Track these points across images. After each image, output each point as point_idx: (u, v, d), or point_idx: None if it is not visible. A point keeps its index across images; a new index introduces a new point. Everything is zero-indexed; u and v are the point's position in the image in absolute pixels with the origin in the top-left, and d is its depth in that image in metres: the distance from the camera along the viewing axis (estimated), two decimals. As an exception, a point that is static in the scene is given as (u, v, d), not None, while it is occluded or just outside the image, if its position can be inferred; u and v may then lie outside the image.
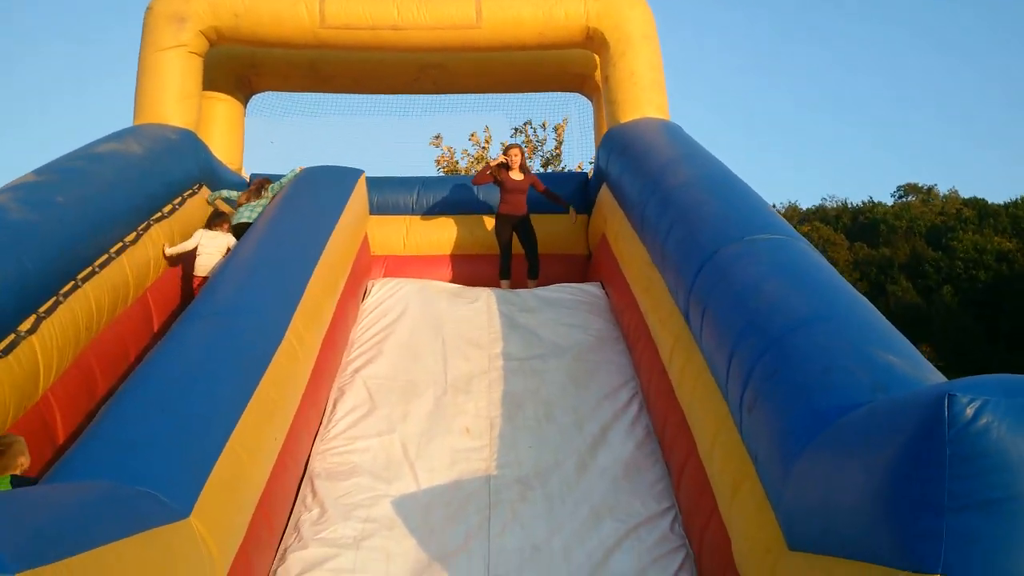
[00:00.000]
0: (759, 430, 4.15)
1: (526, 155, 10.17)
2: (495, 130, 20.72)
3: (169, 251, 8.15)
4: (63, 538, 3.00)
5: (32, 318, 5.67)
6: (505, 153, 9.94)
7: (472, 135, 20.42)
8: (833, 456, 3.34)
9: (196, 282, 8.31)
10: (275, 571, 5.15)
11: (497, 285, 9.62)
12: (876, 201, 51.60)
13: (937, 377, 3.84)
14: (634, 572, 5.08)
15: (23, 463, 4.63)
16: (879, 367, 3.84)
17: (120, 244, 7.14)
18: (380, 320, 8.35)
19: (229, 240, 8.56)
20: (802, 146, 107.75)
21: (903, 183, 55.69)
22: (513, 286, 9.65)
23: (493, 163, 9.97)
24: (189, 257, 8.48)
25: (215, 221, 8.72)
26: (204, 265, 8.33)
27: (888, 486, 2.81)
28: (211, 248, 8.43)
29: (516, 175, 9.79)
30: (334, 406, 6.93)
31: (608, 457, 6.18)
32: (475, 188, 10.75)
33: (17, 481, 4.51)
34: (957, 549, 2.60)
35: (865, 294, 5.02)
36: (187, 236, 8.60)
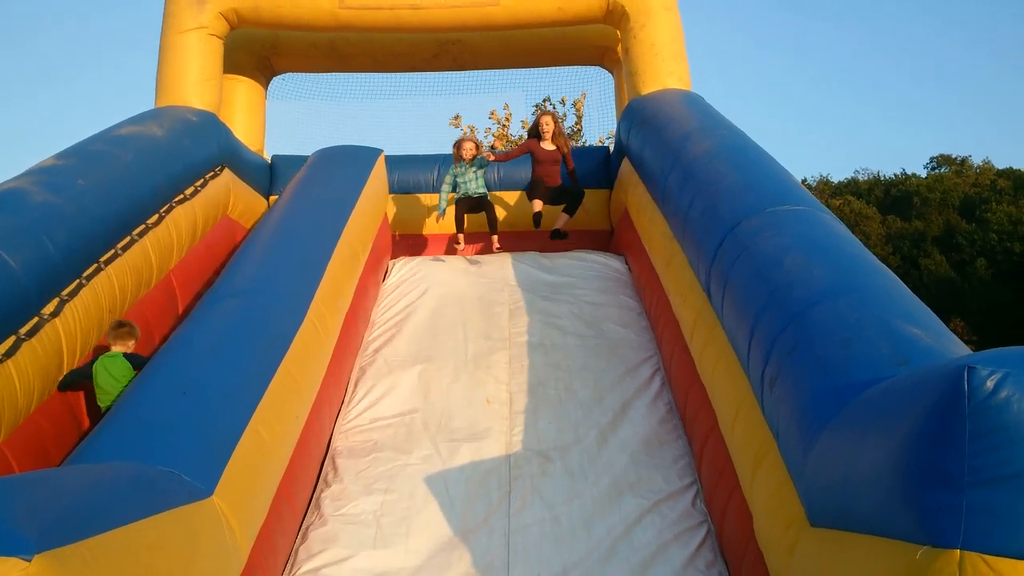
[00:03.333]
0: (780, 406, 4.11)
1: (559, 122, 9.82)
2: (514, 107, 20.69)
3: None
4: (84, 518, 3.03)
5: (55, 301, 5.72)
6: (537, 121, 9.62)
7: (492, 113, 20.33)
8: (853, 431, 3.30)
9: None
10: (296, 549, 5.20)
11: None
12: (909, 173, 50.88)
13: (962, 349, 3.78)
14: (655, 547, 5.06)
15: (132, 346, 6.01)
16: (901, 340, 3.79)
17: (143, 227, 7.17)
18: (401, 299, 8.37)
19: None
20: (833, 119, 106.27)
21: (936, 154, 54.67)
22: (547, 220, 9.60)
23: (491, 155, 9.88)
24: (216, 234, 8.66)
25: None
26: None
27: (907, 460, 2.77)
28: None
29: (547, 145, 9.52)
30: (355, 385, 6.97)
31: (629, 432, 6.16)
32: (497, 165, 10.69)
33: (132, 358, 5.88)
34: (977, 524, 2.56)
35: (897, 268, 4.95)
36: (210, 218, 8.65)
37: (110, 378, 5.78)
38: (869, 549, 3.00)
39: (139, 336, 6.15)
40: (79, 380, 5.84)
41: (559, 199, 9.59)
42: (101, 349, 6.07)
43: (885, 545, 2.88)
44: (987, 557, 2.52)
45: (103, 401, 5.75)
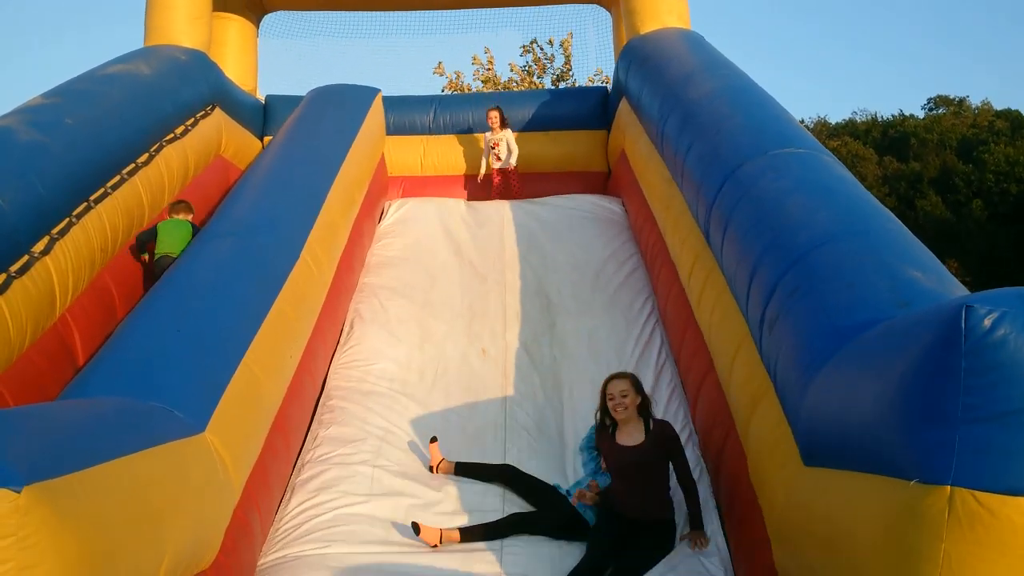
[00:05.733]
0: (779, 348, 4.10)
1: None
2: (503, 49, 20.38)
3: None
4: (75, 452, 3.03)
5: (46, 239, 5.67)
6: (603, 391, 4.78)
7: (474, 58, 20.03)
8: (851, 370, 3.31)
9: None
10: (293, 485, 5.22)
11: None
12: (907, 114, 50.43)
13: (962, 291, 3.75)
14: None
15: (191, 218, 7.30)
16: (902, 282, 3.77)
17: (133, 166, 7.09)
18: (397, 241, 8.33)
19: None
20: (831, 59, 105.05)
21: (934, 95, 54.09)
22: None
23: None
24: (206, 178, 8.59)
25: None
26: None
27: (903, 397, 2.77)
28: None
29: (629, 437, 4.68)
30: (351, 326, 6.96)
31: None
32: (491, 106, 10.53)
33: (192, 225, 7.20)
34: (969, 460, 2.56)
35: (894, 209, 4.91)
36: (202, 158, 8.54)
37: (174, 232, 7.02)
38: (863, 486, 3.02)
39: (194, 212, 7.49)
40: (145, 240, 7.06)
41: (633, 558, 4.50)
42: (98, 288, 6.22)
43: (879, 483, 2.89)
44: (977, 493, 2.54)
45: (160, 251, 6.95)
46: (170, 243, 6.96)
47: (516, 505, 5.07)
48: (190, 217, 7.32)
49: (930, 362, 2.66)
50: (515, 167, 9.71)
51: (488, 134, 9.79)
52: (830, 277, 4.01)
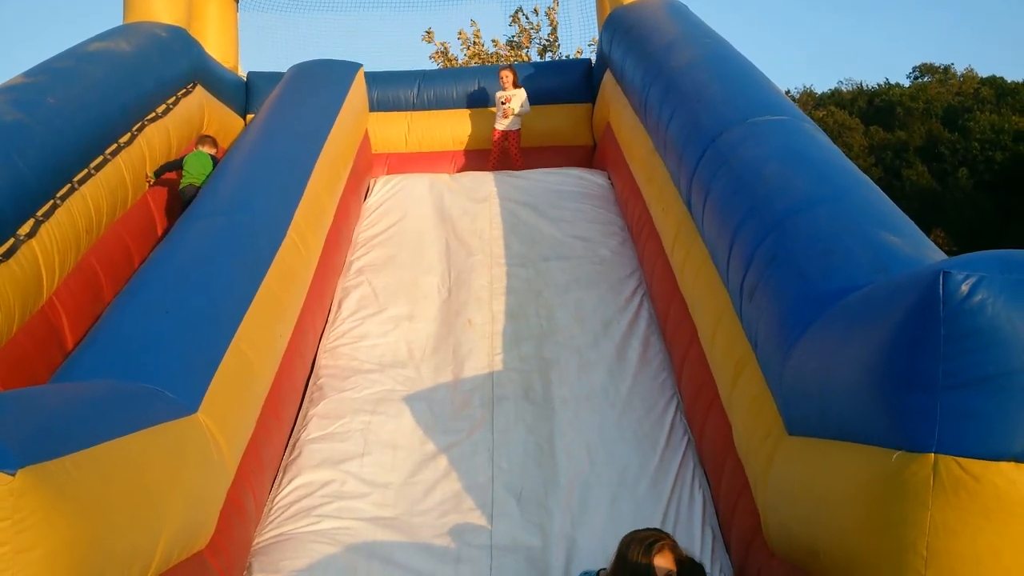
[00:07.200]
0: (759, 316, 4.12)
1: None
2: (489, 25, 20.15)
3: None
4: (68, 434, 3.04)
5: (31, 222, 5.64)
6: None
7: (460, 32, 19.82)
8: (831, 338, 3.32)
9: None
10: (286, 465, 5.25)
11: None
12: (892, 83, 50.38)
13: (939, 256, 3.78)
14: (638, 462, 5.14)
15: (215, 152, 8.07)
16: (880, 248, 3.79)
17: (115, 146, 7.05)
18: (383, 218, 8.32)
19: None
20: (816, 29, 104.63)
21: (919, 63, 54.01)
22: None
23: None
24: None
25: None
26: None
27: (883, 365, 2.78)
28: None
29: None
30: (339, 305, 6.97)
31: (610, 350, 6.19)
32: (476, 81, 10.51)
33: (213, 157, 7.94)
34: (951, 427, 2.58)
35: (880, 179, 4.91)
36: (184, 137, 8.50)
37: (197, 164, 7.79)
38: (846, 455, 3.04)
39: (219, 147, 8.29)
40: (169, 169, 7.82)
41: None
42: (84, 269, 6.20)
43: (862, 451, 2.91)
44: (961, 460, 2.55)
45: (185, 181, 7.70)
46: (195, 173, 7.71)
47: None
48: (215, 151, 8.06)
49: (908, 329, 2.68)
50: (518, 131, 9.72)
51: (499, 92, 9.77)
52: (807, 244, 4.02)
